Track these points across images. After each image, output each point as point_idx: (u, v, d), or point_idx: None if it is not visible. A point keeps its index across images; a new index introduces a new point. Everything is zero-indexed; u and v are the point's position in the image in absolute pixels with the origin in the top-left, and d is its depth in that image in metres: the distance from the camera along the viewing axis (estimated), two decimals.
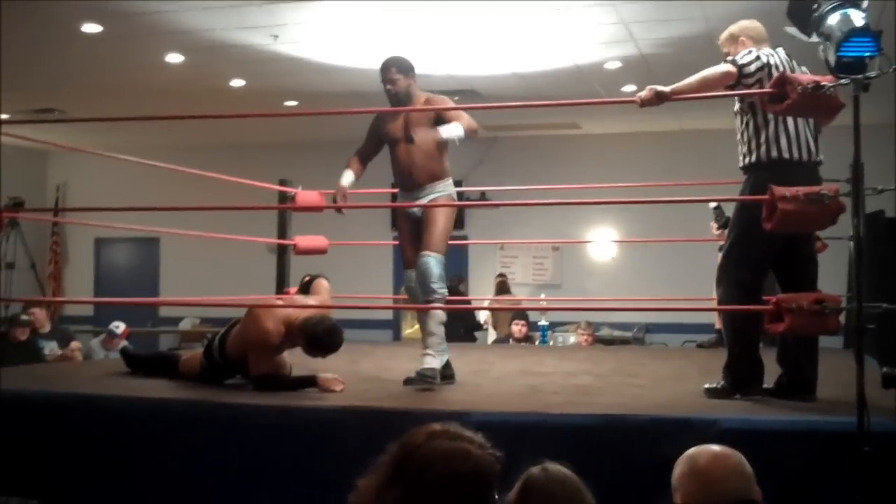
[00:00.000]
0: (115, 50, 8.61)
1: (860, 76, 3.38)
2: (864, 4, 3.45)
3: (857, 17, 3.37)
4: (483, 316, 11.24)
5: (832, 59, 3.40)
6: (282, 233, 6.92)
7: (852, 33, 3.34)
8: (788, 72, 4.08)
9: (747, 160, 4.24)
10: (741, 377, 4.19)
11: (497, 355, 6.80)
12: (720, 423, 3.50)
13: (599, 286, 12.20)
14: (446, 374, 4.83)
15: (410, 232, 5.07)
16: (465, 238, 12.24)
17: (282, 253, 6.91)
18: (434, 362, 4.67)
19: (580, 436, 3.54)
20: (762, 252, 4.20)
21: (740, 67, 4.14)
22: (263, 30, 7.95)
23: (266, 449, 3.89)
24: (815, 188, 3.79)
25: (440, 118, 4.90)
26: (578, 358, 6.64)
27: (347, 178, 5.18)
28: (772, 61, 4.16)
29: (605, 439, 3.55)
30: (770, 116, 4.09)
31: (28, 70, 9.11)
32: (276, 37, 8.12)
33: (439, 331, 4.78)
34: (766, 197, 3.81)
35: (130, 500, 4.03)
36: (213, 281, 12.26)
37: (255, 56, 8.75)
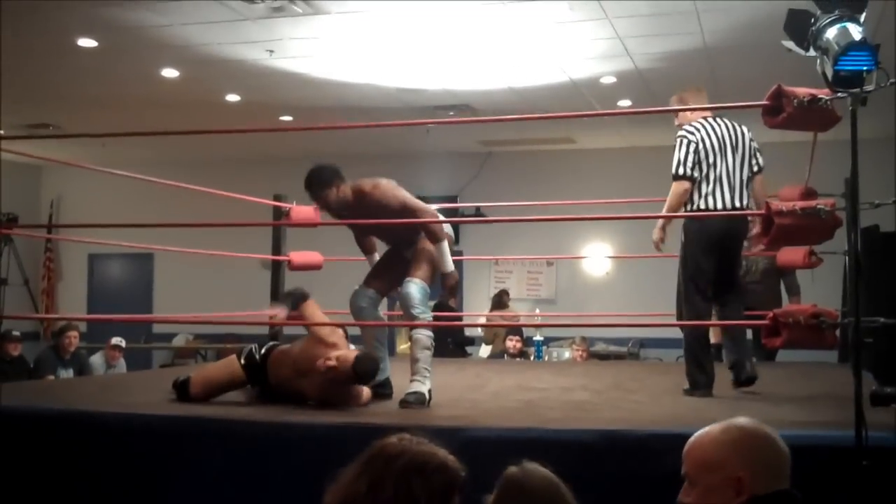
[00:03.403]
0: (110, 64, 8.62)
1: (858, 90, 3.37)
2: (862, 18, 3.44)
3: (855, 31, 3.35)
4: (480, 330, 11.21)
5: (830, 72, 3.39)
6: (276, 248, 6.88)
7: (850, 47, 3.32)
8: (716, 139, 4.97)
9: (686, 207, 5.06)
10: (694, 381, 4.97)
11: (493, 371, 6.77)
12: None
13: (594, 301, 12.18)
14: (383, 392, 4.82)
15: (391, 260, 5.07)
16: (460, 253, 12.21)
17: (276, 269, 6.88)
18: (421, 387, 4.57)
19: (578, 451, 3.51)
20: (701, 273, 5.01)
21: (684, 175, 4.95)
22: (259, 45, 7.95)
23: (264, 464, 3.85)
24: (812, 202, 3.80)
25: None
26: (574, 373, 6.62)
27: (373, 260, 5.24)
28: (699, 135, 4.96)
29: (603, 454, 3.52)
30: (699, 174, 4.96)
31: (23, 84, 9.09)
32: (271, 52, 8.13)
33: (424, 356, 4.66)
34: (763, 212, 3.85)
35: None
36: (207, 297, 12.21)
37: (250, 71, 8.76)
